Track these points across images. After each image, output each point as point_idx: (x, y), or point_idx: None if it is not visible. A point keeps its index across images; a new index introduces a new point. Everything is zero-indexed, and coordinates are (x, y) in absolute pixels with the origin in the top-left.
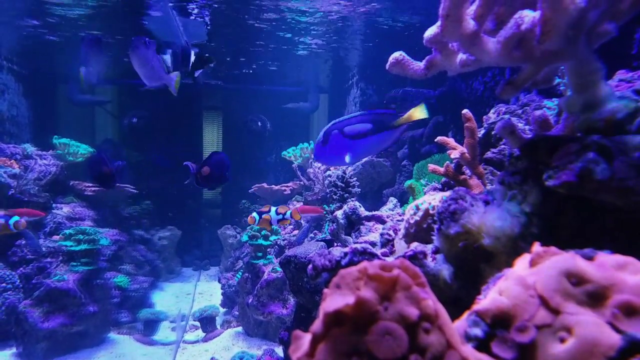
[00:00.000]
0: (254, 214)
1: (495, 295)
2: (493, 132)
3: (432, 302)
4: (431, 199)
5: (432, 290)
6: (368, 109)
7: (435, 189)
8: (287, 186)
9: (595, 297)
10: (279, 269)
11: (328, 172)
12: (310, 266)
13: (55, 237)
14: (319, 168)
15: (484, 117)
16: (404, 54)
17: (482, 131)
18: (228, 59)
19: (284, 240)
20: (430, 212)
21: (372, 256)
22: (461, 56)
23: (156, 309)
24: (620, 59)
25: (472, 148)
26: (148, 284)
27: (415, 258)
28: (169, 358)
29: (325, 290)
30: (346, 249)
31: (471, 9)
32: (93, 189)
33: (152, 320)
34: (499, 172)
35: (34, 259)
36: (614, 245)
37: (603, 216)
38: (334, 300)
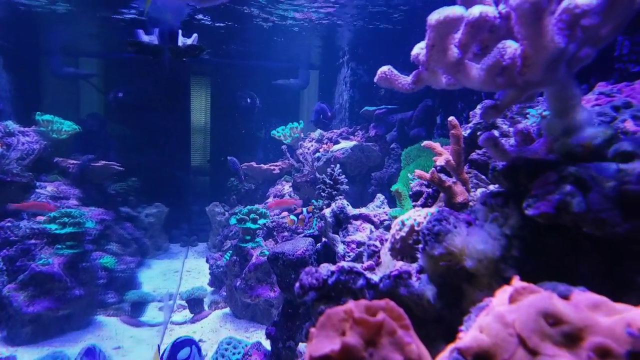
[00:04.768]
0: (292, 216)
1: (476, 332)
2: (478, 133)
3: (415, 347)
4: (416, 215)
5: (416, 309)
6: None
7: (421, 184)
8: (276, 165)
9: (571, 338)
10: (267, 253)
11: (317, 154)
12: (297, 285)
13: (40, 218)
14: (307, 149)
15: (471, 112)
16: (392, 68)
17: (468, 131)
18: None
19: (272, 222)
20: (416, 228)
21: (359, 275)
22: (446, 77)
23: (143, 290)
24: (602, 61)
25: (457, 155)
26: (135, 264)
27: (401, 278)
28: (156, 340)
29: (312, 330)
30: (333, 267)
31: (456, 36)
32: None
33: (139, 302)
34: (482, 176)
35: (17, 241)
36: (591, 269)
37: (581, 241)
38: (320, 344)
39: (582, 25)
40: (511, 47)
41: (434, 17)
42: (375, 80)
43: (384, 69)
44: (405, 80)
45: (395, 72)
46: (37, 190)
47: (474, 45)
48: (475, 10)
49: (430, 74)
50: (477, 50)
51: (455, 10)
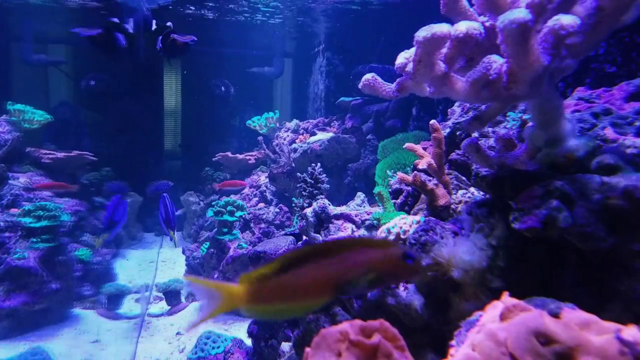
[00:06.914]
0: None
1: (468, 349)
2: (458, 133)
3: None
4: (402, 223)
5: (404, 318)
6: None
7: (401, 182)
8: (251, 155)
9: (563, 358)
10: (245, 245)
11: (294, 145)
12: None
13: (14, 210)
14: (284, 139)
15: (449, 110)
16: (376, 76)
17: (447, 130)
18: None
19: (249, 214)
20: (402, 236)
21: None
22: (430, 87)
23: (120, 282)
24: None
25: (439, 158)
26: (110, 255)
27: (388, 288)
28: (134, 333)
29: (307, 350)
30: None
31: (442, 51)
32: (50, 156)
33: (115, 295)
34: (463, 177)
35: None
36: (575, 278)
37: (565, 252)
38: None
39: (566, 44)
40: (497, 62)
41: (422, 34)
42: (359, 87)
43: (368, 76)
44: (389, 87)
45: (379, 79)
46: (9, 181)
47: (460, 59)
48: (462, 27)
49: (415, 83)
50: (462, 63)
51: (442, 28)
